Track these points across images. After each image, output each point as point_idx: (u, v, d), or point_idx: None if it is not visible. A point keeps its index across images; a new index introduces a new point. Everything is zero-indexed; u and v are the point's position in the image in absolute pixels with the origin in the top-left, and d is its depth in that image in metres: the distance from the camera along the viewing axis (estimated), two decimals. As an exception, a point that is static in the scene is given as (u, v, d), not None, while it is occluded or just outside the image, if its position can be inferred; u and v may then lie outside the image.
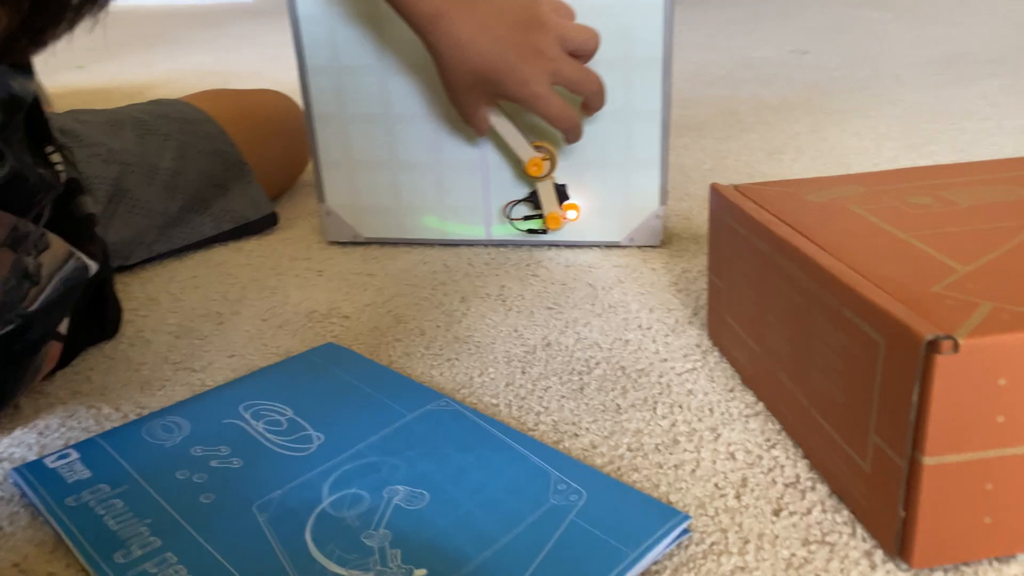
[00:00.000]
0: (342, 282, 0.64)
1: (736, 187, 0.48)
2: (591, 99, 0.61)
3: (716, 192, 0.48)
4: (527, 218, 0.68)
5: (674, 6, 0.62)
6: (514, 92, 0.58)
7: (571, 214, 0.67)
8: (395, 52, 0.66)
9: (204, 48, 2.12)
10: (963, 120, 1.03)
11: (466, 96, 0.60)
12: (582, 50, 0.59)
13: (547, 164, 0.64)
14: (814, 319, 0.37)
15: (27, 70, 0.43)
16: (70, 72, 1.78)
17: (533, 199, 0.67)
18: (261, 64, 1.79)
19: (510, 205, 0.68)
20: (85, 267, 0.46)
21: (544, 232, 0.68)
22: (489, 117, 0.62)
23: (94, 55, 2.06)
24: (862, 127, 1.02)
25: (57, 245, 0.43)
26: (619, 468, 0.40)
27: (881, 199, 0.45)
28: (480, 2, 0.56)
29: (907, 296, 0.33)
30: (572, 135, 0.62)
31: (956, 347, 0.29)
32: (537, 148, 0.64)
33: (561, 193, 0.67)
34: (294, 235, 0.76)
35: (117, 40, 2.38)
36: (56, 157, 0.49)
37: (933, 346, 0.29)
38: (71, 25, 0.18)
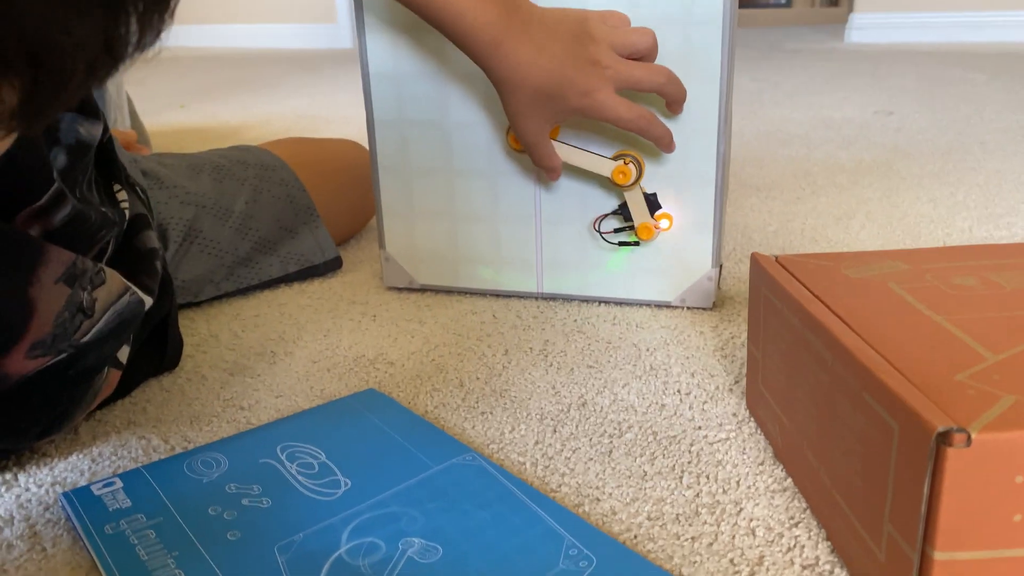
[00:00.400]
0: (393, 328, 0.66)
1: (776, 258, 0.48)
2: (665, 91, 0.61)
3: (756, 262, 0.48)
4: (617, 231, 0.68)
5: (732, 75, 0.62)
6: (578, 104, 0.59)
7: (663, 223, 0.66)
8: (457, 108, 0.68)
9: (301, 91, 2.23)
10: (1049, 190, 0.99)
11: (531, 120, 0.61)
12: (638, 51, 0.60)
13: (633, 170, 0.63)
14: (837, 399, 0.37)
15: (94, 114, 0.46)
16: (172, 111, 1.89)
17: (623, 211, 0.67)
18: (352, 109, 1.86)
19: (599, 220, 0.68)
20: (140, 301, 0.48)
21: (637, 244, 0.67)
22: (557, 150, 0.63)
23: (197, 95, 2.18)
24: (939, 194, 0.99)
25: (113, 280, 0.46)
26: (636, 536, 0.40)
27: (923, 278, 0.44)
28: (534, 25, 0.58)
29: (927, 383, 0.32)
30: (658, 139, 0.62)
31: (969, 440, 0.29)
32: (620, 157, 0.64)
33: (652, 203, 0.66)
34: (356, 279, 0.79)
35: (220, 82, 2.52)
36: (123, 195, 0.52)
37: (944, 438, 0.29)
38: (85, 87, 0.20)
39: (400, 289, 0.75)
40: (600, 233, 0.68)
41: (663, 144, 0.63)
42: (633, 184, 0.64)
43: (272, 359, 0.61)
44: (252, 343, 0.64)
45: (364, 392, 0.54)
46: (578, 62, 0.59)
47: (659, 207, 0.66)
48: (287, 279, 0.78)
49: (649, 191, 0.66)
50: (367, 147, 0.94)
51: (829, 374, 0.38)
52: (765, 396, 0.48)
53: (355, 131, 1.57)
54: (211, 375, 0.59)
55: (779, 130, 1.43)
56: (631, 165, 0.63)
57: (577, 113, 0.60)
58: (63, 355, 0.42)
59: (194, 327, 0.68)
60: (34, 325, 0.40)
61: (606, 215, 0.68)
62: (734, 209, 0.96)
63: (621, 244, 0.68)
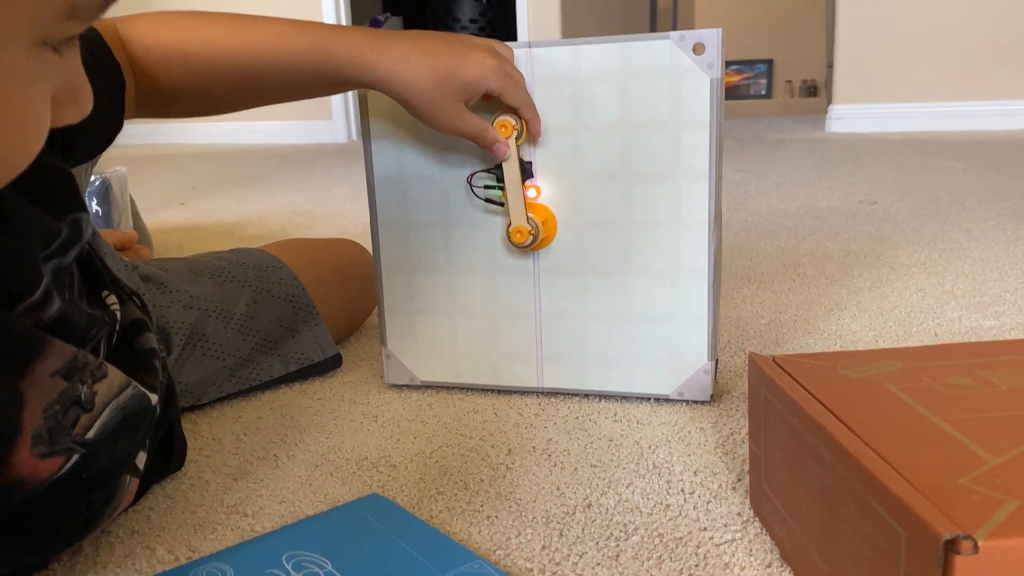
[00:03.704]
0: (395, 428, 0.67)
1: (774, 358, 0.49)
2: (528, 112, 0.65)
3: (754, 363, 0.49)
4: (488, 187, 0.69)
5: (721, 173, 0.65)
6: (476, 71, 0.61)
7: (531, 193, 0.68)
8: (458, 208, 0.70)
9: (295, 187, 2.27)
10: (1033, 279, 1.01)
11: (444, 107, 0.62)
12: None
13: (513, 122, 0.64)
14: (843, 502, 0.37)
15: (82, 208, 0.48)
16: (172, 209, 1.92)
17: (496, 171, 0.67)
18: (346, 204, 1.90)
19: (473, 175, 0.69)
20: (144, 396, 0.49)
21: (502, 205, 0.68)
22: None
23: (195, 192, 2.22)
24: (927, 284, 1.01)
25: (114, 375, 0.46)
26: (647, 645, 0.40)
27: (919, 377, 0.45)
28: (403, 33, 0.62)
29: (931, 488, 0.33)
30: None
31: (976, 548, 0.29)
32: (500, 115, 0.65)
33: (525, 170, 0.67)
34: (356, 377, 0.79)
35: (217, 178, 2.56)
36: (112, 299, 0.53)
37: (952, 545, 0.29)
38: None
39: (401, 386, 0.76)
40: (471, 186, 0.69)
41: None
42: (519, 137, 0.65)
43: (275, 463, 0.61)
44: (254, 446, 0.64)
45: (368, 497, 0.54)
46: (456, 40, 0.62)
47: (531, 175, 0.68)
48: (287, 378, 0.78)
49: (526, 160, 0.67)
50: (363, 245, 0.96)
51: (833, 477, 0.38)
52: (769, 496, 0.48)
53: (350, 226, 1.60)
54: (214, 480, 0.59)
55: (767, 221, 1.47)
56: (510, 118, 0.64)
57: (478, 83, 0.61)
58: (75, 455, 0.42)
59: (196, 430, 0.68)
60: (26, 417, 0.40)
61: (481, 171, 0.69)
62: (726, 301, 0.97)
63: (488, 201, 0.69)
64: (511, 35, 4.03)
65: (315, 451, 0.63)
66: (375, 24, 4.63)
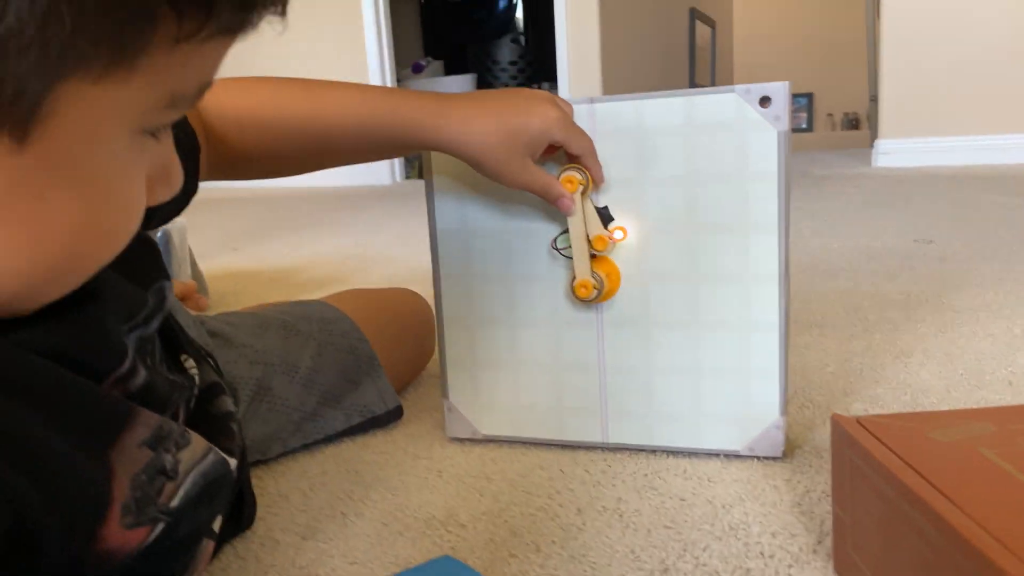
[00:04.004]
0: (460, 485, 0.66)
1: (858, 420, 0.48)
2: (589, 161, 0.65)
3: (837, 425, 0.48)
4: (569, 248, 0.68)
5: (789, 223, 0.64)
6: (541, 124, 0.61)
7: (618, 235, 0.67)
8: (520, 261, 0.70)
9: (343, 231, 2.30)
10: (1108, 322, 0.98)
11: (511, 163, 0.62)
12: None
13: (579, 177, 0.64)
14: (947, 579, 0.36)
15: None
16: (226, 254, 1.96)
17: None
18: (395, 248, 1.92)
19: (555, 238, 0.68)
20: (224, 461, 0.49)
21: (594, 256, 0.67)
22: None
23: (246, 237, 2.26)
24: (995, 328, 0.99)
25: (197, 441, 0.47)
26: None
27: (1015, 440, 0.43)
28: (465, 95, 0.63)
29: (1047, 569, 0.31)
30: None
31: (1105, 638, 0.28)
32: (567, 170, 0.65)
33: (604, 216, 0.66)
34: (417, 430, 0.79)
35: (267, 223, 2.61)
36: (190, 363, 0.54)
37: (1079, 635, 0.28)
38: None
39: (463, 440, 0.76)
40: (557, 249, 0.68)
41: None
42: (584, 191, 0.65)
43: (343, 521, 0.61)
44: (321, 503, 0.64)
45: (440, 559, 0.53)
46: (517, 95, 0.63)
47: (611, 219, 0.67)
48: (350, 431, 0.78)
49: (601, 206, 0.67)
50: (420, 294, 0.96)
51: (934, 551, 0.37)
52: (858, 564, 0.46)
53: (399, 271, 1.61)
54: (284, 539, 0.59)
55: (822, 261, 1.45)
56: (576, 172, 0.64)
57: (543, 135, 0.62)
58: (161, 524, 0.42)
59: (263, 486, 0.68)
60: (116, 489, 0.40)
61: (562, 232, 0.68)
62: (789, 348, 0.96)
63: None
64: (551, 77, 4.07)
65: (382, 508, 0.63)
66: (417, 68, 4.71)
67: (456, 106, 0.62)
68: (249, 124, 0.60)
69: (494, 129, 0.61)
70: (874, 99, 3.50)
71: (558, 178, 0.64)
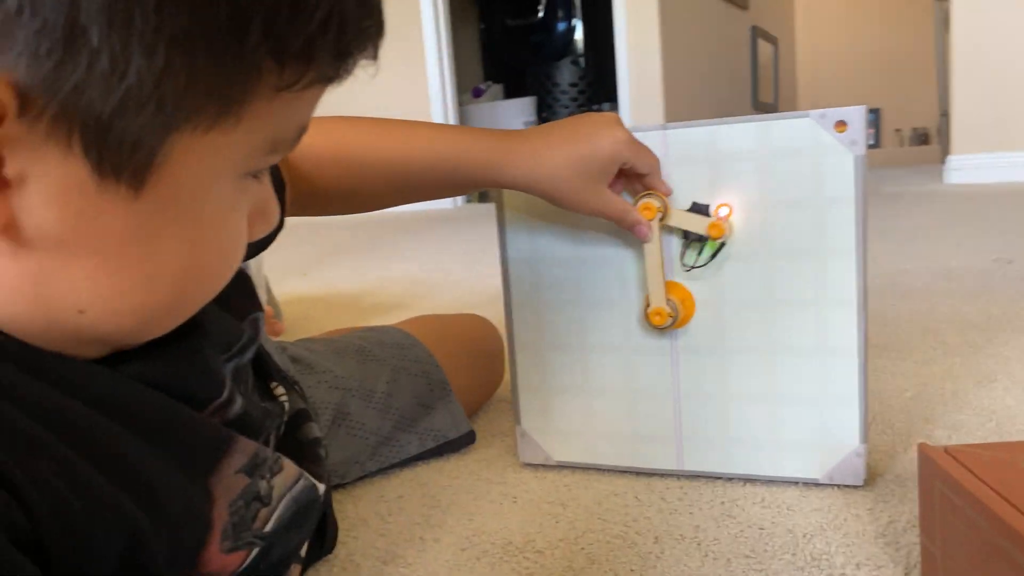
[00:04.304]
0: (535, 511, 0.66)
1: (947, 450, 0.47)
2: (654, 180, 0.65)
3: (925, 455, 0.47)
4: (700, 252, 0.67)
5: (867, 247, 0.63)
6: (611, 148, 0.61)
7: (723, 211, 0.65)
8: (591, 287, 0.71)
9: (409, 255, 2.34)
10: None
11: (584, 191, 0.62)
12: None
13: (656, 203, 0.64)
14: (1049, 617, 0.35)
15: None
16: (296, 279, 2.01)
17: (685, 236, 0.66)
18: (461, 273, 1.94)
19: (682, 255, 0.67)
20: (313, 486, 0.50)
21: (723, 245, 0.66)
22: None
23: (315, 262, 2.32)
24: (1085, 352, 0.95)
25: (289, 468, 0.48)
26: None
27: (1116, 474, 0.42)
28: (528, 131, 0.64)
29: None
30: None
31: None
32: (643, 197, 0.65)
33: (701, 209, 0.65)
34: (489, 455, 0.80)
35: (334, 248, 2.67)
36: (279, 390, 0.56)
37: None
38: None
39: (536, 466, 0.76)
40: (690, 267, 0.67)
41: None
42: (663, 218, 0.65)
43: (421, 545, 0.62)
44: (400, 527, 0.65)
45: (520, 585, 0.54)
46: (583, 122, 0.63)
47: (708, 206, 0.66)
48: (423, 456, 0.79)
49: (695, 205, 0.66)
50: (488, 319, 0.97)
51: (1034, 587, 0.36)
52: (950, 598, 0.45)
53: (464, 295, 1.63)
54: (364, 564, 0.60)
55: (896, 282, 1.41)
56: (653, 199, 0.64)
57: (615, 158, 0.62)
58: (255, 549, 0.44)
59: (342, 510, 0.69)
60: (216, 514, 0.42)
61: (684, 252, 0.67)
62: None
63: (714, 256, 0.66)
64: (611, 98, 4.07)
65: (459, 533, 0.64)
66: (477, 93, 4.78)
67: (524, 143, 0.63)
68: (328, 163, 0.62)
69: (564, 161, 0.62)
70: (945, 114, 3.42)
71: (635, 205, 0.65)
